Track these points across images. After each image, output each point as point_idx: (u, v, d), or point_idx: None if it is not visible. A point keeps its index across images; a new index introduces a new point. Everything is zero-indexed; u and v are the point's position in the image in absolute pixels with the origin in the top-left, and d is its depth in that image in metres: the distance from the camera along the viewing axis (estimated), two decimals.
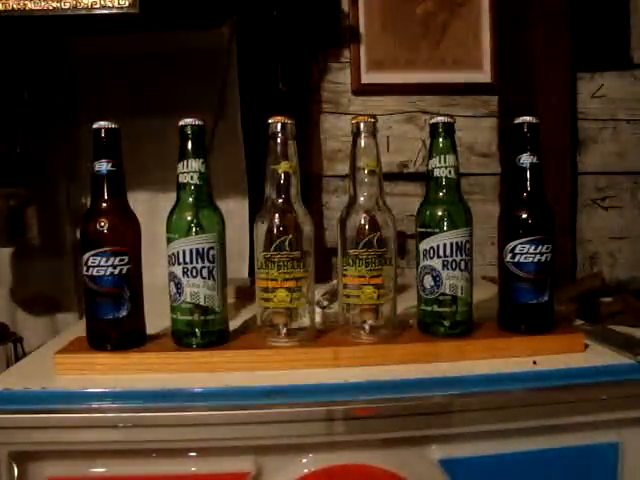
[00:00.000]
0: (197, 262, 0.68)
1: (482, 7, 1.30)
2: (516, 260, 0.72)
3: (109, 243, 0.68)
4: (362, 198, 0.72)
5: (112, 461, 0.62)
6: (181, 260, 0.68)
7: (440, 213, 0.72)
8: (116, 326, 0.69)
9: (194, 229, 0.68)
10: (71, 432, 0.60)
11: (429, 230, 0.72)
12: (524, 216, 0.72)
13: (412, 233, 0.76)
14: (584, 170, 1.34)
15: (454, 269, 0.71)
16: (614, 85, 1.33)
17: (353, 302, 0.71)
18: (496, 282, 0.77)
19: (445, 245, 0.70)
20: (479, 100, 1.33)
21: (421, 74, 1.30)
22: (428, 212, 0.73)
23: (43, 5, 0.84)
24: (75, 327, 0.89)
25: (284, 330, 0.70)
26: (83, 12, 0.85)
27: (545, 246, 0.72)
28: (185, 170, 0.69)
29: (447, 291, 0.71)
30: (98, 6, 0.85)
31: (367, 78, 1.29)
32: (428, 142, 0.74)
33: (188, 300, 0.68)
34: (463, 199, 0.73)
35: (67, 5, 0.84)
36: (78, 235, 0.70)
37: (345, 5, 1.29)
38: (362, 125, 0.71)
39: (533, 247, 0.72)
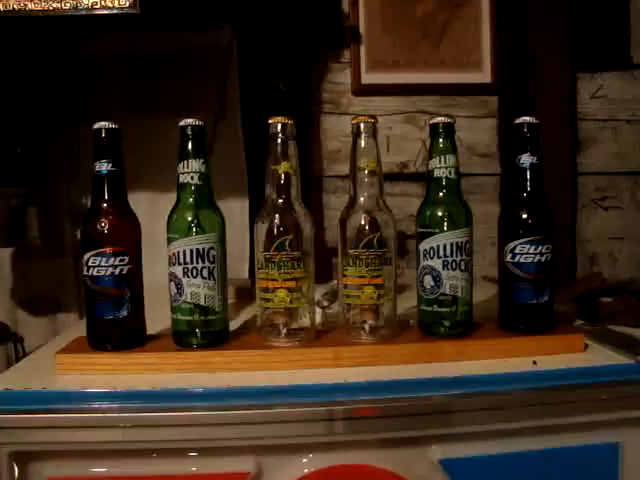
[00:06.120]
0: (197, 262, 0.68)
1: (482, 7, 1.30)
2: (516, 260, 0.72)
3: (109, 243, 0.68)
4: (362, 198, 0.72)
5: (112, 461, 0.62)
6: (181, 260, 0.68)
7: (440, 213, 0.72)
8: (116, 326, 0.69)
9: (194, 229, 0.68)
10: (71, 432, 0.60)
11: (429, 230, 0.72)
12: (524, 216, 0.72)
13: (412, 233, 0.76)
14: (584, 170, 1.34)
15: (454, 269, 0.71)
16: (614, 85, 1.33)
17: (353, 302, 0.71)
18: (496, 282, 0.77)
19: (445, 245, 0.70)
20: (479, 100, 1.33)
21: (421, 74, 1.30)
22: (428, 212, 0.73)
23: (44, 5, 0.84)
24: (75, 327, 0.90)
25: (284, 330, 0.70)
26: (83, 12, 0.85)
27: (545, 246, 0.72)
28: (185, 170, 0.69)
29: (447, 291, 0.71)
30: (99, 6, 0.85)
31: (367, 78, 1.29)
32: (428, 142, 0.75)
33: (188, 300, 0.68)
34: (463, 199, 0.73)
35: (68, 5, 0.84)
36: (78, 235, 0.70)
37: (345, 5, 1.29)
38: (362, 125, 0.72)
39: (533, 247, 0.72)
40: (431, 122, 0.73)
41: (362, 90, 1.30)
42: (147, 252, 0.72)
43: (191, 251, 0.68)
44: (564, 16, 1.26)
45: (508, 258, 0.73)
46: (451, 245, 0.70)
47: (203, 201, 0.70)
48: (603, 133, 1.34)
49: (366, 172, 0.72)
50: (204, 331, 0.69)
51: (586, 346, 0.74)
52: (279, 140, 0.70)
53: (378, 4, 1.28)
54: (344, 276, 0.71)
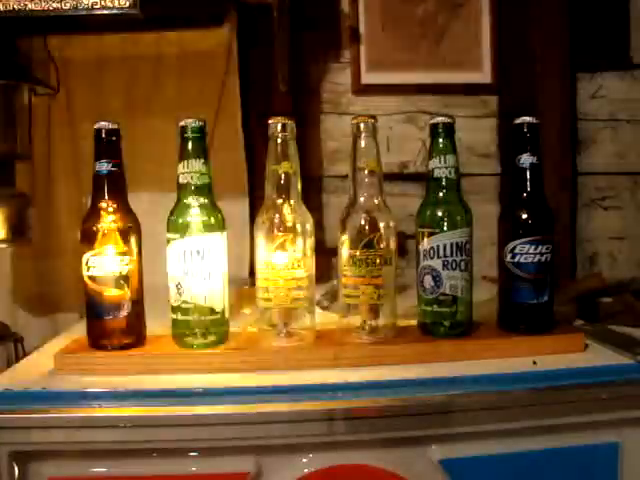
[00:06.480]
0: (197, 262, 0.68)
1: (482, 7, 1.30)
2: (516, 260, 0.72)
3: (109, 243, 0.68)
4: (362, 198, 0.72)
5: (112, 461, 0.62)
6: (181, 260, 0.68)
7: (440, 213, 0.72)
8: (116, 326, 0.69)
9: (194, 229, 0.68)
10: (71, 432, 0.60)
11: (429, 230, 0.72)
12: (524, 216, 0.72)
13: (412, 233, 0.76)
14: (584, 170, 1.34)
15: (454, 269, 0.71)
16: (614, 85, 1.33)
17: (353, 302, 0.71)
18: (496, 282, 0.77)
19: (445, 245, 0.70)
20: (479, 100, 1.33)
21: (421, 74, 1.30)
22: (428, 212, 0.73)
23: (44, 5, 0.84)
24: (75, 327, 0.89)
25: (284, 330, 0.70)
26: (83, 12, 0.85)
27: (545, 246, 0.72)
28: (185, 170, 0.69)
29: (447, 291, 0.71)
30: (99, 6, 0.85)
31: (367, 78, 1.29)
32: (428, 142, 0.75)
33: (188, 300, 0.68)
34: (463, 199, 0.73)
35: (68, 5, 0.84)
36: (78, 235, 0.70)
37: (345, 5, 1.29)
38: (362, 125, 0.72)
39: (533, 247, 0.72)
40: (431, 122, 0.73)
41: (362, 90, 1.30)
42: (147, 252, 0.72)
43: (191, 251, 0.68)
44: (564, 16, 1.26)
45: (508, 258, 0.73)
46: (451, 245, 0.70)
47: (203, 201, 0.70)
48: (603, 133, 1.34)
49: (366, 172, 0.72)
50: (204, 331, 0.69)
51: (586, 346, 0.74)
52: (279, 140, 0.70)
53: (378, 4, 1.28)
54: (344, 276, 0.71)
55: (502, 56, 1.30)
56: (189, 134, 0.69)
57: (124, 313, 0.69)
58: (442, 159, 0.72)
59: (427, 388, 0.64)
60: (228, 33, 1.20)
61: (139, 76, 1.21)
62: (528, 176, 0.73)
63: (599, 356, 0.72)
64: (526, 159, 0.73)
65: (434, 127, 0.73)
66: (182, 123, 0.69)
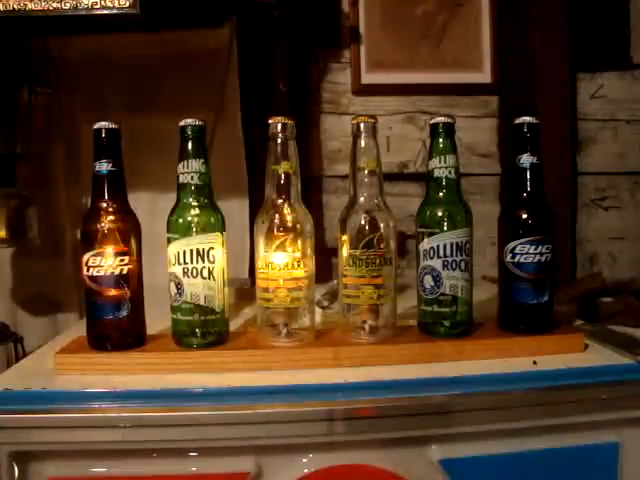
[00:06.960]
0: (197, 262, 0.68)
1: (482, 7, 1.30)
2: (516, 260, 0.72)
3: (109, 243, 0.68)
4: (362, 198, 0.72)
5: (112, 461, 0.62)
6: (181, 260, 0.68)
7: (440, 213, 0.72)
8: (116, 326, 0.69)
9: (194, 229, 0.69)
10: (71, 432, 0.60)
11: (429, 230, 0.72)
12: (524, 216, 0.72)
13: (412, 233, 0.76)
14: (584, 170, 1.34)
15: (454, 269, 0.71)
16: (614, 85, 1.34)
17: (353, 302, 0.71)
18: (496, 282, 0.77)
19: (445, 245, 0.70)
20: (479, 100, 1.33)
21: (421, 74, 1.30)
22: (428, 212, 0.73)
23: (43, 5, 0.84)
24: (75, 327, 0.90)
25: (284, 330, 0.70)
26: (83, 12, 0.85)
27: (545, 246, 0.72)
28: (185, 170, 0.69)
29: (447, 291, 0.71)
30: (98, 6, 0.85)
31: (367, 78, 1.29)
32: (428, 142, 0.75)
33: (188, 300, 0.68)
34: (463, 199, 0.73)
35: (67, 5, 0.84)
36: (78, 235, 0.70)
37: (345, 5, 1.29)
38: (362, 125, 0.72)
39: (533, 247, 0.72)
40: (431, 122, 0.73)
41: (362, 90, 1.30)
42: (147, 252, 0.72)
43: (191, 251, 0.68)
44: (564, 16, 1.26)
45: (508, 258, 0.73)
46: (451, 245, 0.70)
47: (203, 201, 0.70)
48: (603, 133, 1.34)
49: (366, 172, 0.72)
50: (204, 331, 0.69)
51: (586, 346, 0.74)
52: (279, 140, 0.70)
53: (378, 4, 1.29)
54: (344, 276, 0.71)
55: (502, 56, 1.30)
56: (189, 134, 0.69)
57: (124, 313, 0.69)
58: (442, 159, 0.72)
59: (427, 388, 0.64)
60: (228, 33, 1.20)
61: (139, 76, 1.21)
62: (528, 176, 0.73)
63: (599, 356, 0.72)
64: (526, 159, 0.73)
65: (434, 127, 0.73)
66: (182, 123, 0.69)
